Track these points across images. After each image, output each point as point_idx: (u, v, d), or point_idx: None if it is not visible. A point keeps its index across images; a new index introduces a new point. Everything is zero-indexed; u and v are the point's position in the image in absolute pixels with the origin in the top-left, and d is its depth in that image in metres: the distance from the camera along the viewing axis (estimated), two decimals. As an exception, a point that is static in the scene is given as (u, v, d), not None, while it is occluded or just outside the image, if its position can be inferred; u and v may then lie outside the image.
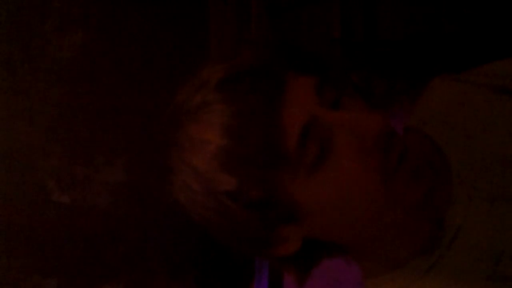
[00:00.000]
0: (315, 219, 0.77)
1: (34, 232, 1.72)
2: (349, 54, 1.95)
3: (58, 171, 1.76)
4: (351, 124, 0.74)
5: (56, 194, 1.76)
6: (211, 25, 1.98)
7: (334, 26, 1.96)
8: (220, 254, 1.83)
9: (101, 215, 1.80)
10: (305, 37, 2.00)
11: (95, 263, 1.79)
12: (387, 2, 1.94)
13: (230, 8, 1.99)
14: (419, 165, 0.76)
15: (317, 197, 0.75)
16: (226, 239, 0.81)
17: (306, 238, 0.79)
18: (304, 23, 2.01)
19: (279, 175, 0.73)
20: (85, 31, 1.80)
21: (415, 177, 0.75)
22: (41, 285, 1.73)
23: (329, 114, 0.74)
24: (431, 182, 0.77)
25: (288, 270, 0.83)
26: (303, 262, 0.82)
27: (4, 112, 1.70)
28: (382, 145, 0.74)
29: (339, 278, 1.66)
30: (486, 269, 0.79)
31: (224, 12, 1.99)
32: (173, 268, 1.88)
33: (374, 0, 1.96)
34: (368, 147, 0.74)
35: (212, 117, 0.73)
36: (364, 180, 0.75)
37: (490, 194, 0.81)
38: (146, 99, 1.86)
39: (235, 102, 0.73)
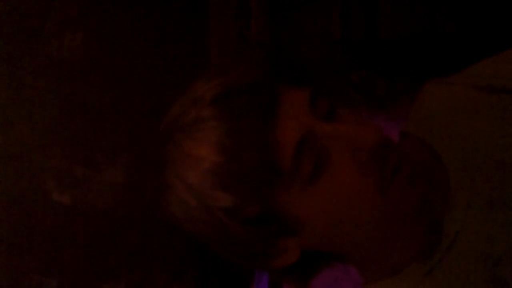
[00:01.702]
0: (313, 230, 0.77)
1: (34, 232, 1.72)
2: (349, 54, 1.95)
3: (58, 171, 1.76)
4: (346, 136, 0.74)
5: (56, 194, 1.76)
6: (211, 25, 1.98)
7: (334, 26, 1.96)
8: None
9: (101, 215, 1.80)
10: (305, 37, 2.00)
11: (95, 263, 1.79)
12: (387, 2, 1.95)
13: (230, 8, 1.99)
14: (414, 172, 0.76)
15: (314, 209, 0.75)
16: (224, 253, 0.81)
17: (304, 248, 0.79)
18: (304, 23, 2.00)
19: (276, 191, 0.73)
20: (85, 31, 1.80)
21: (411, 184, 0.76)
22: (41, 285, 1.73)
23: (324, 127, 0.74)
24: (427, 187, 0.77)
25: (287, 281, 0.83)
26: (302, 272, 0.82)
27: (4, 112, 1.70)
28: (378, 156, 0.74)
29: (338, 278, 1.66)
30: (484, 274, 0.79)
31: (224, 12, 1.99)
32: (173, 268, 1.88)
33: (374, 0, 1.96)
34: (364, 159, 0.74)
35: (207, 133, 0.73)
36: (360, 192, 0.75)
37: (489, 198, 0.81)
38: (146, 99, 1.86)
39: (229, 119, 0.73)
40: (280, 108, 0.74)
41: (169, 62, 1.90)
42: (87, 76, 1.81)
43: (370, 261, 0.83)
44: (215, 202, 0.74)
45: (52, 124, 1.76)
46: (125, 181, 1.83)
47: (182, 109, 0.76)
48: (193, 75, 0.81)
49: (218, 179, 0.73)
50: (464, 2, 1.84)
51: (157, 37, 1.91)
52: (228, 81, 0.75)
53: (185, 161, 0.75)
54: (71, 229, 1.77)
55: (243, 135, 0.72)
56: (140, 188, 1.82)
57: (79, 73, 1.80)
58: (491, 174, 0.82)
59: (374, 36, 1.94)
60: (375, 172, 0.74)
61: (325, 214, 0.76)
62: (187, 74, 1.91)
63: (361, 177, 0.74)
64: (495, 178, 0.82)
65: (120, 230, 1.82)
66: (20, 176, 1.71)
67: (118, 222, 1.82)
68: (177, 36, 1.94)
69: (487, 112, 0.86)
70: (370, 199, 0.75)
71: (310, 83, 0.77)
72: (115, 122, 1.83)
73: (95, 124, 1.81)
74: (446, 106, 0.89)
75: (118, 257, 1.82)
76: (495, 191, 0.81)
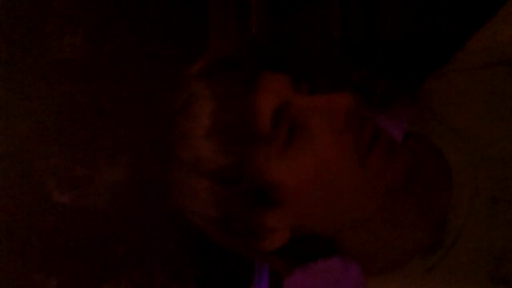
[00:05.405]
0: (296, 202, 0.78)
1: (34, 232, 1.72)
2: (349, 54, 1.96)
3: (58, 171, 1.76)
4: (320, 104, 0.77)
5: (56, 194, 1.76)
6: (211, 25, 1.98)
7: (334, 26, 1.96)
8: (220, 254, 1.83)
9: (101, 215, 1.80)
10: (305, 37, 2.00)
11: (95, 263, 1.79)
12: (387, 2, 1.95)
13: (230, 7, 1.99)
14: (394, 143, 0.77)
15: (293, 177, 0.76)
16: (221, 239, 0.82)
17: (293, 229, 0.79)
18: (304, 23, 2.01)
19: (255, 152, 0.76)
20: (85, 31, 1.80)
21: (391, 155, 0.76)
22: (41, 285, 1.73)
23: (301, 100, 0.77)
24: (412, 160, 0.78)
25: (276, 263, 0.84)
26: (294, 257, 0.82)
27: (4, 112, 1.70)
28: (353, 124, 0.76)
29: (339, 278, 1.66)
30: (487, 270, 0.80)
31: (224, 12, 1.99)
32: (173, 268, 1.88)
33: (374, 0, 1.96)
34: (340, 126, 0.76)
35: (198, 107, 0.77)
36: (338, 160, 0.76)
37: (492, 195, 0.81)
38: (146, 99, 1.86)
39: (215, 87, 0.77)
40: (262, 82, 0.77)
41: (169, 62, 1.90)
42: (87, 76, 1.81)
43: (370, 254, 0.83)
44: (205, 166, 0.77)
45: (52, 124, 1.76)
46: (125, 181, 1.83)
47: (177, 91, 0.81)
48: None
49: (207, 143, 0.76)
50: (464, 2, 1.84)
51: (157, 37, 1.91)
52: (213, 56, 0.80)
53: (180, 137, 0.78)
54: (71, 229, 1.77)
55: (226, 100, 0.76)
56: (140, 188, 1.82)
57: (79, 73, 1.80)
58: (495, 171, 0.82)
59: (374, 36, 1.94)
60: (352, 139, 0.76)
61: (304, 182, 0.76)
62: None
63: (338, 144, 0.76)
64: (498, 175, 0.82)
65: (120, 230, 1.82)
66: (20, 176, 1.71)
67: (118, 222, 1.82)
68: (177, 36, 1.94)
69: (490, 97, 0.86)
70: (349, 168, 0.76)
71: (291, 72, 0.80)
72: (115, 122, 1.83)
73: (95, 124, 1.81)
74: (449, 100, 0.89)
75: (118, 257, 1.82)
76: (498, 188, 0.82)
